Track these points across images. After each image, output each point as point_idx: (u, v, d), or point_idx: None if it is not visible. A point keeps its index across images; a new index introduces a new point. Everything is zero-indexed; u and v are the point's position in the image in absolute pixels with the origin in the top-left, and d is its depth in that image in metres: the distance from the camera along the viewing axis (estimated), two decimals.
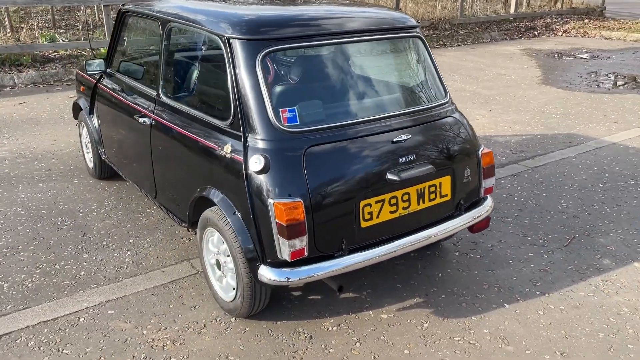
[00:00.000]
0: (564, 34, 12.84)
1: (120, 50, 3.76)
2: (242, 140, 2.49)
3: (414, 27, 2.90)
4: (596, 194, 4.30)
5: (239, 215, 2.51)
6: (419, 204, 2.65)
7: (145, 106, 3.24)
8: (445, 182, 2.71)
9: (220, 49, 2.63)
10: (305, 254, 2.40)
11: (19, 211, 3.93)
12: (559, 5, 14.40)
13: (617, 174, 4.69)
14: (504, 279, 3.16)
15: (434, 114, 2.80)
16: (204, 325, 2.76)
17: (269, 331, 2.72)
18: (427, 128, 2.74)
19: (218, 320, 2.80)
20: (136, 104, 3.34)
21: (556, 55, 10.28)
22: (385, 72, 2.94)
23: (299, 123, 2.50)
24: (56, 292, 3.02)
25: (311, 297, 2.98)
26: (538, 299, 2.98)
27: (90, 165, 4.41)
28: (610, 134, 5.76)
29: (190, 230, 3.08)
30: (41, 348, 2.60)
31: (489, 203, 2.96)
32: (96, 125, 4.06)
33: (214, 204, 2.64)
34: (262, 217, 2.40)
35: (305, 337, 2.69)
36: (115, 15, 3.83)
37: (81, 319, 2.80)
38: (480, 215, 2.88)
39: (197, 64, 3.01)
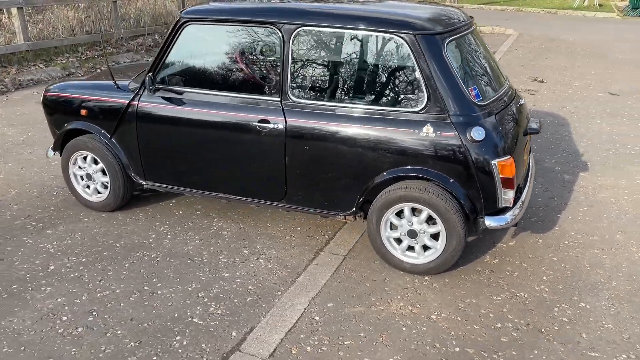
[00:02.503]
0: None
1: (180, 63, 3.57)
2: (447, 119, 2.97)
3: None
4: None
5: (454, 181, 3.00)
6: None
7: (263, 112, 3.29)
8: None
9: (400, 46, 3.02)
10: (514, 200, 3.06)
11: (89, 261, 3.44)
12: None
13: None
14: None
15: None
16: (419, 286, 3.16)
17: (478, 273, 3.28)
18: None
19: (414, 284, 3.22)
20: (245, 112, 3.32)
21: None
22: (486, 57, 3.61)
23: (481, 98, 3.10)
24: (258, 308, 2.98)
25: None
26: None
27: (94, 197, 4.00)
28: None
29: (347, 218, 3.34)
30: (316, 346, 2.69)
31: None
32: (128, 148, 3.71)
33: (384, 186, 3.07)
34: (485, 176, 2.96)
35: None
36: (173, 25, 3.56)
37: (316, 317, 2.90)
38: None
39: (357, 63, 3.23)
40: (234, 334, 2.77)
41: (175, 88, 3.52)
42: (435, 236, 3.17)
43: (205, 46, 3.50)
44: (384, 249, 3.28)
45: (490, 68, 3.40)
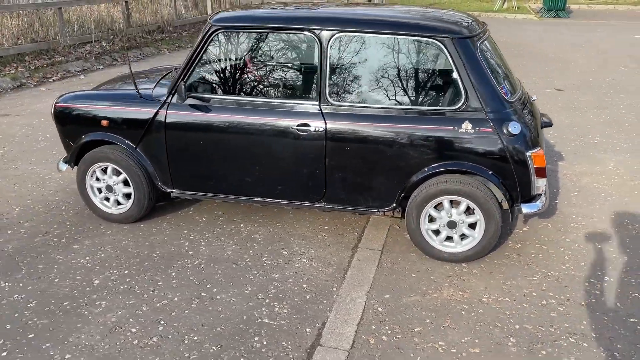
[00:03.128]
0: None
1: (211, 71, 3.61)
2: (484, 115, 3.23)
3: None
4: None
5: (492, 172, 3.27)
6: None
7: (302, 115, 3.41)
8: None
9: (437, 49, 3.25)
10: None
11: (133, 272, 3.40)
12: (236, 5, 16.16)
13: None
14: None
15: None
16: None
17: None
18: None
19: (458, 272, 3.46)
20: (283, 116, 3.42)
21: None
22: (501, 58, 3.85)
23: (510, 95, 3.38)
24: (320, 304, 3.11)
25: None
26: None
27: (114, 209, 3.95)
28: None
29: (386, 213, 3.53)
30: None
31: None
32: (155, 157, 3.70)
33: (424, 181, 3.31)
34: (520, 167, 3.24)
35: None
36: (205, 33, 3.57)
37: (379, 309, 3.06)
38: None
39: (395, 66, 3.39)
40: (308, 330, 2.87)
41: (208, 96, 3.55)
42: (471, 225, 3.39)
43: (238, 53, 3.55)
44: (423, 241, 3.48)
45: (506, 68, 3.69)
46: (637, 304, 3.09)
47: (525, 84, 8.34)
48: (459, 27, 3.26)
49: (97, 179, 3.89)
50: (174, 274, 3.35)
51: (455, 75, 3.23)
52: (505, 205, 3.31)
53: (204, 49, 3.51)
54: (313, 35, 3.35)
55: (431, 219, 3.47)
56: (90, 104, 3.79)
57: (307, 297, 3.15)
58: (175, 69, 4.27)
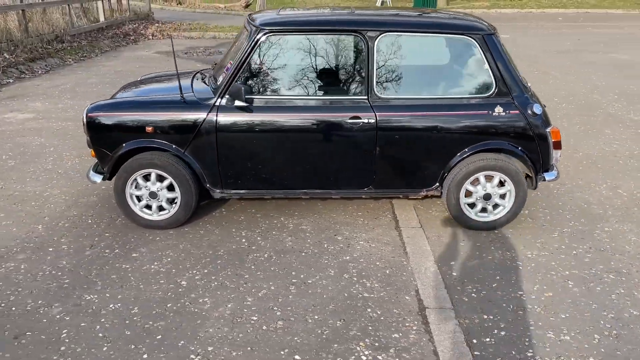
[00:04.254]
0: (153, 37, 14.38)
1: (260, 73, 3.80)
2: (512, 100, 3.82)
3: None
4: None
5: (521, 148, 3.86)
6: None
7: (353, 109, 3.76)
8: None
9: (470, 45, 3.77)
10: None
11: (213, 271, 3.48)
12: (127, 13, 15.64)
13: None
14: None
15: None
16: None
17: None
18: None
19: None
20: (335, 111, 3.71)
21: (199, 52, 11.90)
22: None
23: (524, 82, 4.01)
24: (402, 276, 3.47)
25: None
26: None
27: (155, 216, 3.96)
28: None
29: (428, 193, 3.95)
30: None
31: None
32: (204, 159, 3.79)
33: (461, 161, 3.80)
34: (543, 142, 3.86)
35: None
36: (254, 39, 3.72)
37: (453, 273, 3.52)
38: None
39: (434, 60, 3.83)
40: (407, 297, 3.22)
41: (261, 97, 3.74)
42: (501, 196, 3.93)
43: (287, 54, 3.78)
44: (462, 214, 3.97)
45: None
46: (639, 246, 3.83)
47: None
48: (484, 25, 3.79)
49: (137, 187, 3.88)
50: (252, 267, 3.50)
51: (486, 66, 3.75)
52: (531, 175, 3.89)
53: (252, 52, 3.69)
54: (360, 36, 3.69)
55: (467, 194, 3.95)
56: (132, 111, 3.78)
57: (387, 271, 3.48)
58: (201, 72, 4.34)
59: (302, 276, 3.40)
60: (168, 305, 3.10)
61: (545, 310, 3.11)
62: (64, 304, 3.09)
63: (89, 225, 4.01)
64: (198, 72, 4.54)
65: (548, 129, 3.80)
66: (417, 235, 3.93)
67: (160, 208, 3.95)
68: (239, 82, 3.68)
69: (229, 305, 3.10)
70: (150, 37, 14.36)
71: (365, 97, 3.73)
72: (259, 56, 3.71)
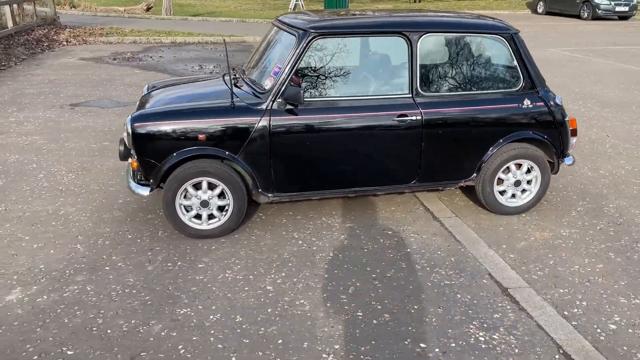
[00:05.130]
0: (68, 43, 13.60)
1: (310, 76, 3.86)
2: (536, 93, 4.19)
3: None
4: None
5: (547, 137, 4.24)
6: None
7: (397, 109, 3.95)
8: None
9: (501, 43, 4.09)
10: None
11: (294, 272, 3.49)
12: (34, 18, 14.61)
13: None
14: None
15: None
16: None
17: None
18: None
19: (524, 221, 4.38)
20: (383, 110, 3.84)
21: (128, 58, 11.43)
22: None
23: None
24: (469, 262, 3.70)
25: None
26: None
27: (205, 225, 3.88)
28: None
29: (466, 183, 4.20)
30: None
31: None
32: (257, 164, 3.78)
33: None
34: (563, 130, 4.27)
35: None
36: (304, 42, 3.74)
37: (511, 255, 3.81)
38: None
39: (469, 58, 4.05)
40: (484, 281, 3.45)
41: (310, 99, 3.80)
42: (528, 182, 4.29)
43: (335, 56, 3.87)
44: (495, 201, 4.28)
45: None
46: None
47: None
48: (509, 25, 4.11)
49: (186, 196, 3.79)
50: (326, 266, 3.57)
51: (514, 63, 4.08)
52: (553, 161, 4.28)
53: (304, 55, 3.74)
54: (404, 37, 3.87)
55: (498, 182, 4.26)
56: (182, 119, 3.68)
57: (452, 259, 3.69)
58: (235, 77, 4.29)
59: (378, 271, 3.51)
60: (268, 310, 3.09)
61: (605, 279, 3.46)
62: (161, 321, 2.98)
63: (132, 241, 3.85)
64: (222, 76, 4.48)
65: (567, 118, 4.20)
66: (458, 224, 4.17)
67: (210, 217, 3.86)
68: (291, 85, 3.70)
69: (328, 304, 3.14)
70: (65, 42, 13.55)
71: (410, 96, 3.90)
72: (309, 59, 3.76)
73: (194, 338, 2.84)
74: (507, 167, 4.21)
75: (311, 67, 3.81)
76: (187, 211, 3.82)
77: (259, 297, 3.20)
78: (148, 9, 21.84)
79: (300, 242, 3.86)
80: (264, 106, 3.72)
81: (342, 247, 3.79)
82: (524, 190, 4.32)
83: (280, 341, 2.83)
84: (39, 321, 2.95)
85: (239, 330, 2.90)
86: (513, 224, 4.20)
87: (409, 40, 3.86)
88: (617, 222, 4.24)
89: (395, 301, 3.19)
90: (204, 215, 3.83)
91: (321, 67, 3.85)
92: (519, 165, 4.23)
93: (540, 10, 23.01)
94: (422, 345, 2.82)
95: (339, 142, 3.84)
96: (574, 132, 4.27)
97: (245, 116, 3.70)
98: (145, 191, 3.73)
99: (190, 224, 3.83)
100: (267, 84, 3.81)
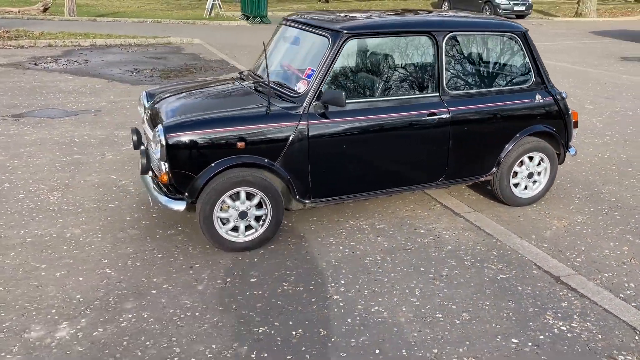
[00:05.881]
0: None
1: (343, 77, 3.80)
2: (545, 88, 4.41)
3: None
4: None
5: (556, 129, 4.46)
6: None
7: (427, 107, 4.01)
8: None
9: (515, 41, 4.26)
10: None
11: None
12: None
13: None
14: None
15: None
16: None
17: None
18: None
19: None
20: (414, 110, 3.86)
21: (51, 63, 10.62)
22: None
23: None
24: (517, 252, 3.80)
25: None
26: None
27: (242, 237, 3.67)
28: None
29: (486, 178, 4.31)
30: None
31: None
32: (295, 170, 3.64)
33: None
34: (568, 122, 4.51)
35: None
36: (337, 43, 3.63)
37: (544, 245, 3.99)
38: None
39: (487, 56, 4.16)
40: (535, 272, 3.56)
41: (349, 100, 3.74)
42: (537, 174, 4.49)
43: (367, 57, 3.83)
44: (511, 194, 4.43)
45: None
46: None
47: None
48: (520, 24, 4.28)
49: (222, 208, 3.61)
50: (381, 270, 3.53)
51: (526, 59, 4.25)
52: (559, 152, 4.51)
53: (338, 56, 3.67)
54: (431, 37, 3.90)
55: (513, 175, 4.42)
56: (219, 128, 3.48)
57: (494, 253, 3.78)
58: (261, 82, 4.10)
59: (432, 270, 3.53)
60: (348, 320, 3.01)
61: (636, 260, 3.70)
62: (244, 342, 2.81)
63: (165, 260, 3.59)
64: (234, 80, 4.29)
65: (570, 111, 4.43)
66: (480, 218, 4.28)
67: (247, 228, 3.69)
68: (328, 87, 3.62)
69: (404, 309, 3.11)
70: None
71: (438, 94, 3.95)
72: (342, 60, 3.70)
73: (288, 357, 2.69)
74: (521, 161, 4.35)
75: (342, 68, 3.74)
76: (223, 224, 3.61)
77: (332, 308, 3.09)
78: (45, 10, 20.39)
79: (341, 247, 3.78)
80: (300, 110, 3.60)
81: (385, 250, 3.75)
82: (534, 182, 4.49)
83: (377, 351, 2.76)
84: (109, 357, 2.66)
85: (330, 345, 2.79)
86: (529, 214, 4.36)
87: (435, 40, 3.89)
88: (617, 206, 4.54)
89: (465, 299, 3.21)
90: (242, 227, 3.64)
91: (352, 68, 3.80)
92: (531, 158, 4.40)
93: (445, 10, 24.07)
94: (514, 340, 2.86)
95: (373, 143, 3.80)
96: (576, 124, 4.52)
97: (283, 121, 3.56)
98: (181, 206, 3.48)
99: (228, 237, 3.63)
100: (300, 87, 3.69)
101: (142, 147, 3.76)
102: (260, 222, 3.70)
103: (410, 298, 3.20)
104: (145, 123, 3.98)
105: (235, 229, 3.65)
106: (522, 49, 4.21)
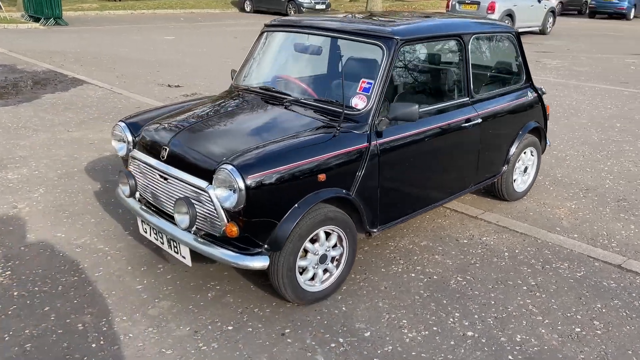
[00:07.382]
0: None
1: (399, 85, 3.48)
2: (532, 88, 4.59)
3: None
4: None
5: (540, 123, 4.67)
6: None
7: (464, 113, 3.90)
8: None
9: (510, 41, 4.35)
10: None
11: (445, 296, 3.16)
12: None
13: None
14: None
15: None
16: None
17: None
18: None
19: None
20: (455, 116, 3.67)
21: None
22: None
23: None
24: (554, 248, 3.87)
25: None
26: None
27: (319, 284, 3.13)
28: None
29: (497, 178, 4.35)
30: None
31: None
32: (366, 197, 3.20)
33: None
34: (545, 115, 4.77)
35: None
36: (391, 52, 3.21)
37: (575, 235, 4.16)
38: None
39: (493, 57, 4.14)
40: (596, 264, 3.65)
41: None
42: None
43: (415, 63, 3.55)
44: (514, 190, 4.55)
45: None
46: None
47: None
48: (511, 25, 4.38)
49: (303, 254, 3.06)
50: (476, 292, 3.30)
51: (520, 59, 4.37)
52: (542, 145, 4.75)
53: (393, 64, 3.33)
54: (460, 40, 3.77)
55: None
56: (296, 161, 2.88)
57: (545, 252, 3.81)
58: (301, 101, 3.47)
59: (519, 282, 3.42)
60: (488, 350, 2.74)
61: None
62: None
63: (247, 334, 2.89)
64: (234, 96, 3.66)
65: (546, 104, 4.70)
66: (502, 219, 4.30)
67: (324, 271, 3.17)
68: (387, 100, 3.27)
69: (542, 330, 2.95)
70: None
71: (468, 98, 3.84)
72: (397, 67, 3.37)
73: None
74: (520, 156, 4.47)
75: (399, 77, 3.39)
76: (300, 273, 3.03)
77: (459, 340, 2.79)
78: None
79: (413, 275, 3.47)
80: (366, 129, 3.17)
81: (455, 269, 3.54)
82: (527, 176, 4.66)
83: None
84: None
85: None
86: (533, 207, 4.51)
87: (463, 43, 3.75)
88: (600, 192, 4.88)
89: (579, 307, 3.15)
90: (319, 273, 3.10)
91: (401, 76, 3.46)
92: (525, 153, 4.54)
93: (248, 8, 24.07)
94: (628, 351, 2.86)
95: (433, 153, 3.59)
96: (548, 117, 4.79)
97: (354, 144, 3.11)
98: (265, 262, 2.81)
99: (307, 289, 3.06)
100: (358, 103, 3.24)
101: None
102: (335, 263, 3.17)
103: (531, 316, 3.06)
104: (149, 158, 3.15)
105: (312, 277, 3.08)
106: (517, 49, 4.28)
